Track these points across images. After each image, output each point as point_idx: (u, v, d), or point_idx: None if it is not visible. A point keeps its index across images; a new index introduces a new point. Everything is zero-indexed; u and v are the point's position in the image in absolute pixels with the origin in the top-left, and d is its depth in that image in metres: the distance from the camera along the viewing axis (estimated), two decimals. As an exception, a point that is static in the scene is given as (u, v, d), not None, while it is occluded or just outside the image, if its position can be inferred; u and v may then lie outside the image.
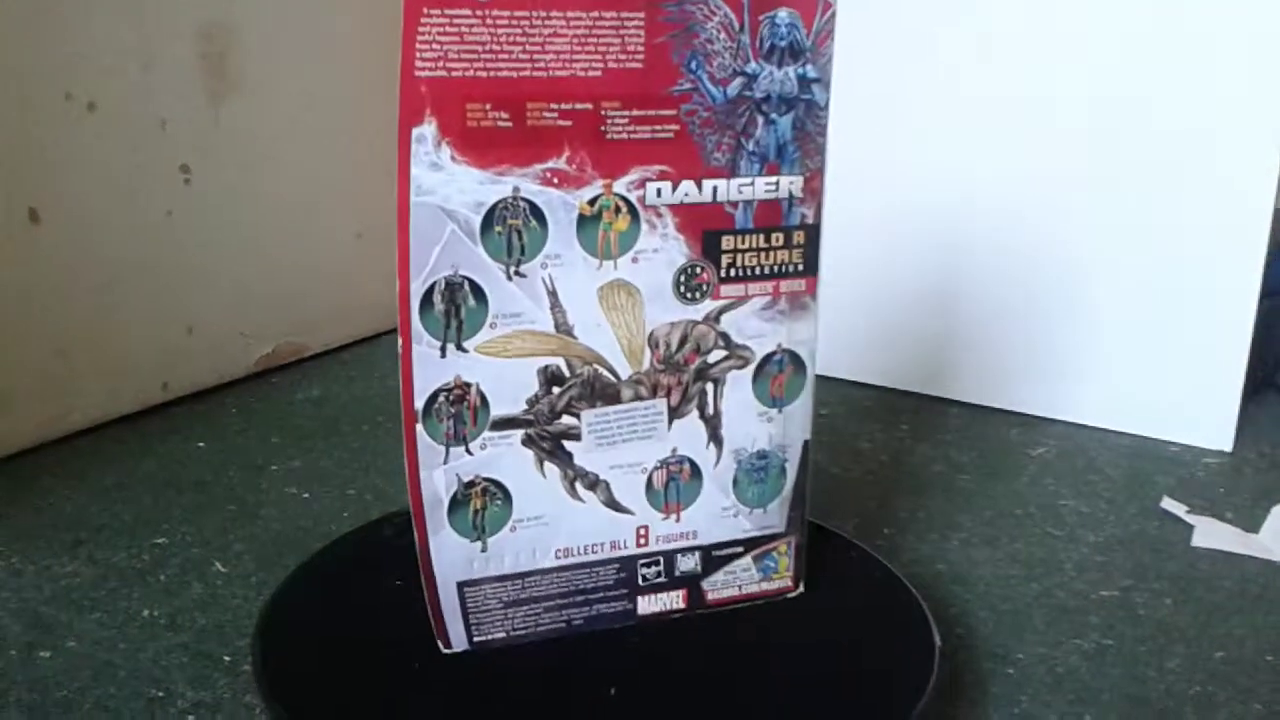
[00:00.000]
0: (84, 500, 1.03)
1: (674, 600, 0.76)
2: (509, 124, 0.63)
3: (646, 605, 0.76)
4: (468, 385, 0.67)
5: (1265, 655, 0.83)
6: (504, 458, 0.69)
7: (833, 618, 0.78)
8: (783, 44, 0.68)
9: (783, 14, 0.67)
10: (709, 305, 0.71)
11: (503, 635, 0.73)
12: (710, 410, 0.73)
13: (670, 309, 0.70)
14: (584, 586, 0.74)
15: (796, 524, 0.78)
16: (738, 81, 0.68)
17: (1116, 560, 0.97)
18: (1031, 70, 1.21)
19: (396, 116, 0.62)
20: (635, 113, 0.66)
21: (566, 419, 0.70)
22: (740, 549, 0.77)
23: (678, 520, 0.75)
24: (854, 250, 1.30)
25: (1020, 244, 1.25)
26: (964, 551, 0.98)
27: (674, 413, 0.72)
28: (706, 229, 0.70)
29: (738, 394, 0.74)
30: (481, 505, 0.70)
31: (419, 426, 0.67)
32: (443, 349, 0.66)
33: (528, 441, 0.70)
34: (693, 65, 0.66)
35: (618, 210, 0.67)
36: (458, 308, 0.65)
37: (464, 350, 0.66)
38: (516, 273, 0.66)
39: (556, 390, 0.69)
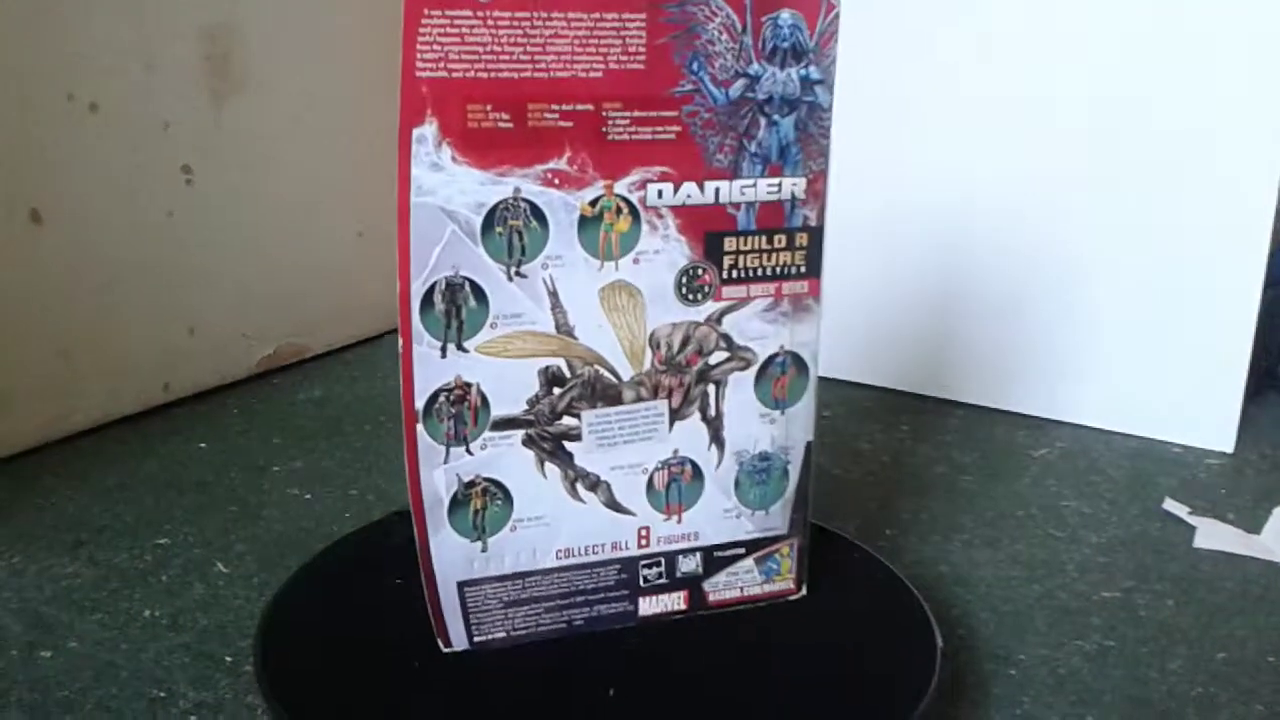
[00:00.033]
0: (86, 501, 1.03)
1: (675, 601, 0.76)
2: (510, 125, 0.63)
3: (647, 606, 0.76)
4: (468, 385, 0.67)
5: (1267, 656, 0.83)
6: (504, 458, 0.69)
7: (834, 619, 0.78)
8: (785, 45, 0.68)
9: (785, 15, 0.67)
10: (711, 307, 0.71)
11: (503, 635, 0.73)
12: (712, 412, 0.73)
13: (672, 310, 0.70)
14: (585, 587, 0.74)
15: (799, 526, 0.78)
16: (740, 83, 0.68)
17: (1118, 561, 0.97)
18: (1031, 70, 1.21)
19: (398, 117, 0.62)
20: (637, 114, 0.66)
21: (567, 420, 0.70)
22: (742, 550, 0.77)
23: (679, 521, 0.75)
24: (854, 250, 1.30)
25: (1021, 244, 1.25)
26: (966, 553, 0.98)
27: (675, 414, 0.72)
28: (708, 230, 0.69)
29: (740, 395, 0.73)
30: (482, 505, 0.70)
31: (419, 426, 0.67)
32: (443, 349, 0.66)
33: (528, 442, 0.70)
34: (694, 66, 0.66)
35: (619, 211, 0.67)
36: (458, 308, 0.65)
37: (464, 350, 0.66)
38: (517, 273, 0.66)
39: (557, 391, 0.69)
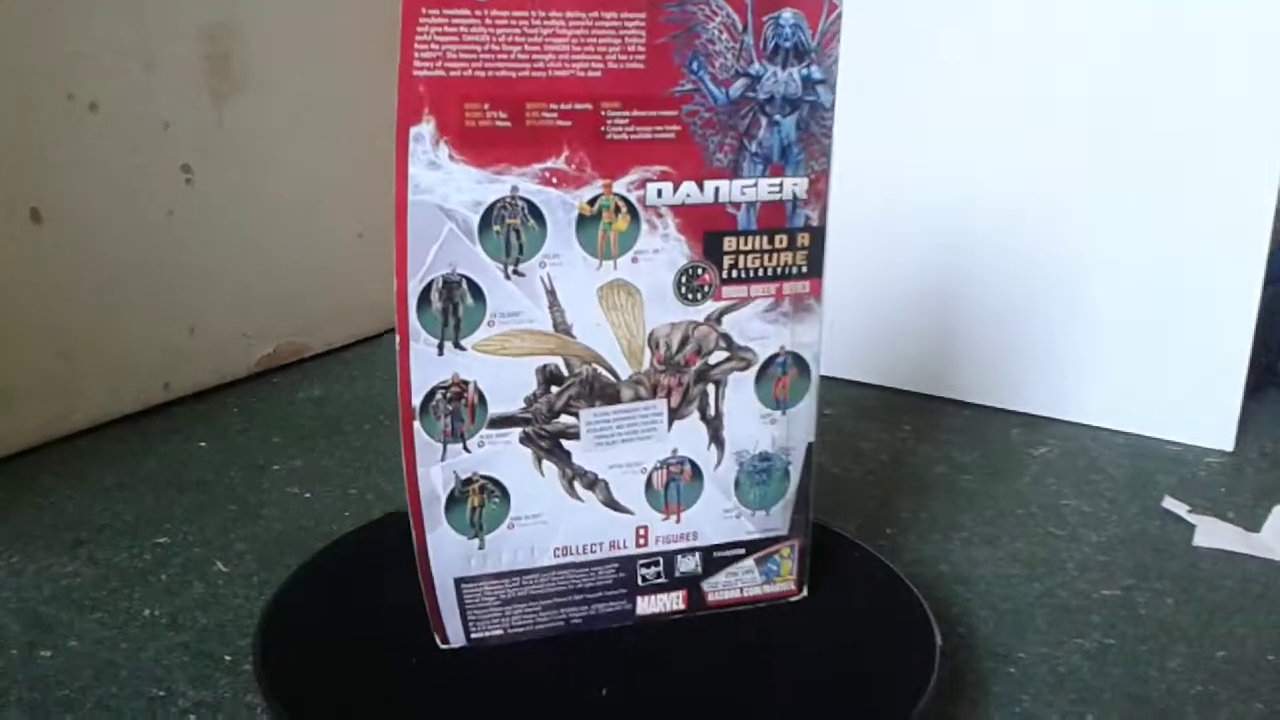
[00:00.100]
0: (85, 500, 1.03)
1: (674, 601, 0.76)
2: (507, 124, 0.63)
3: (646, 605, 0.76)
4: (465, 383, 0.67)
5: (1267, 654, 0.83)
6: (502, 456, 0.69)
7: (835, 617, 0.78)
8: (787, 45, 0.67)
9: (787, 15, 0.67)
10: (710, 306, 0.71)
11: (500, 632, 0.73)
12: (711, 411, 0.73)
13: (671, 310, 0.70)
14: (582, 585, 0.74)
15: (800, 527, 0.78)
16: (740, 82, 0.68)
17: (1118, 560, 0.97)
18: (1031, 70, 1.21)
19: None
20: (635, 113, 0.66)
21: (565, 418, 0.70)
22: (742, 551, 0.77)
23: (678, 521, 0.75)
24: (855, 250, 1.30)
25: (1021, 244, 1.25)
26: (966, 551, 0.98)
27: (674, 414, 0.72)
28: (708, 230, 0.69)
29: (740, 396, 0.73)
30: (479, 502, 0.70)
31: (416, 423, 0.67)
32: (440, 347, 0.66)
33: (526, 440, 0.70)
34: (694, 66, 0.66)
35: (617, 210, 0.67)
36: (455, 306, 0.66)
37: (462, 348, 0.66)
38: (515, 272, 0.66)
39: (555, 389, 0.69)
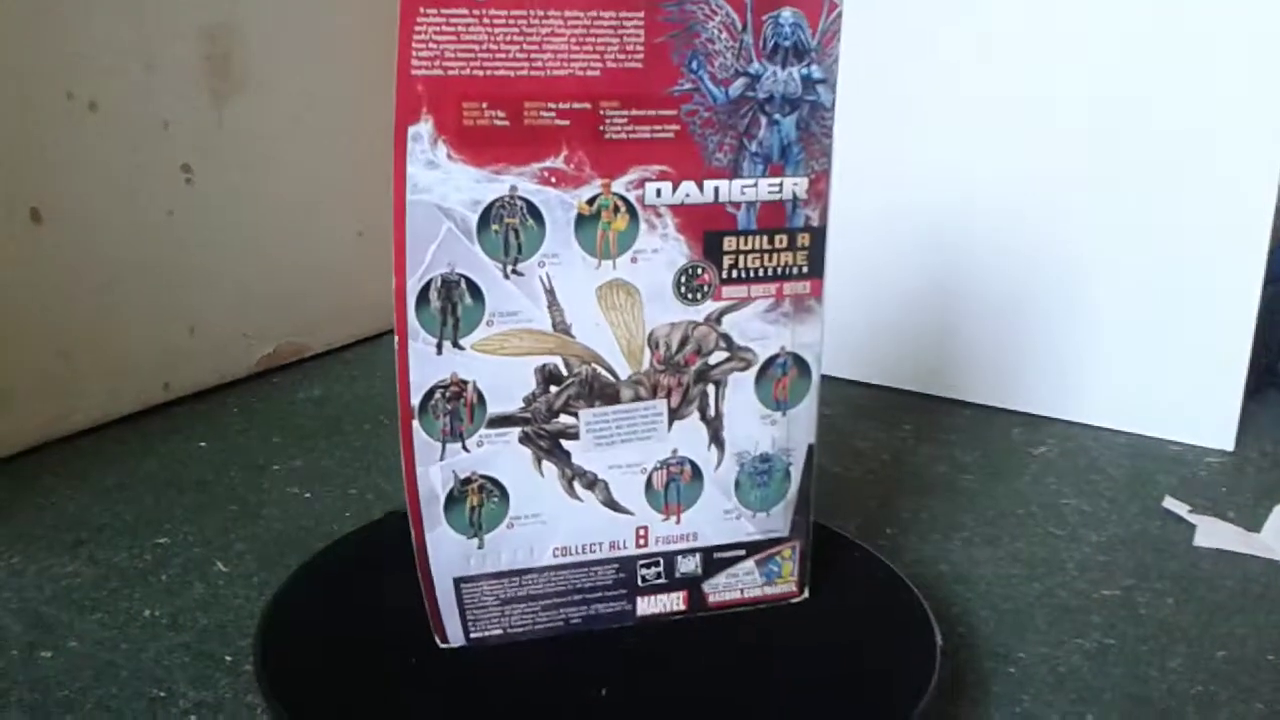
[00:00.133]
0: (85, 500, 1.03)
1: (674, 602, 0.76)
2: (506, 123, 0.63)
3: (646, 606, 0.76)
4: (464, 382, 0.67)
5: (1267, 654, 0.83)
6: (501, 455, 0.69)
7: (835, 617, 0.78)
8: (787, 44, 0.67)
9: (787, 14, 0.67)
10: (710, 306, 0.71)
11: (499, 632, 0.73)
12: (711, 412, 0.73)
13: (670, 309, 0.70)
14: (582, 585, 0.74)
15: (801, 529, 0.78)
16: (740, 82, 0.67)
17: (1118, 559, 0.97)
18: (1031, 70, 1.21)
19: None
20: (634, 112, 0.66)
21: (564, 418, 0.70)
22: (743, 552, 0.77)
23: (678, 522, 0.75)
24: (854, 249, 1.30)
25: (1021, 244, 1.25)
26: (966, 551, 0.98)
27: (674, 414, 0.72)
28: (708, 230, 0.69)
29: (740, 396, 0.73)
30: (478, 502, 0.70)
31: (415, 423, 0.67)
32: (439, 346, 0.66)
33: (525, 439, 0.70)
34: (693, 65, 0.66)
35: (616, 210, 0.67)
36: (454, 305, 0.66)
37: (460, 348, 0.66)
38: (514, 271, 0.66)
39: (554, 389, 0.69)
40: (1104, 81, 1.17)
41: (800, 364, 0.74)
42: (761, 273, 0.71)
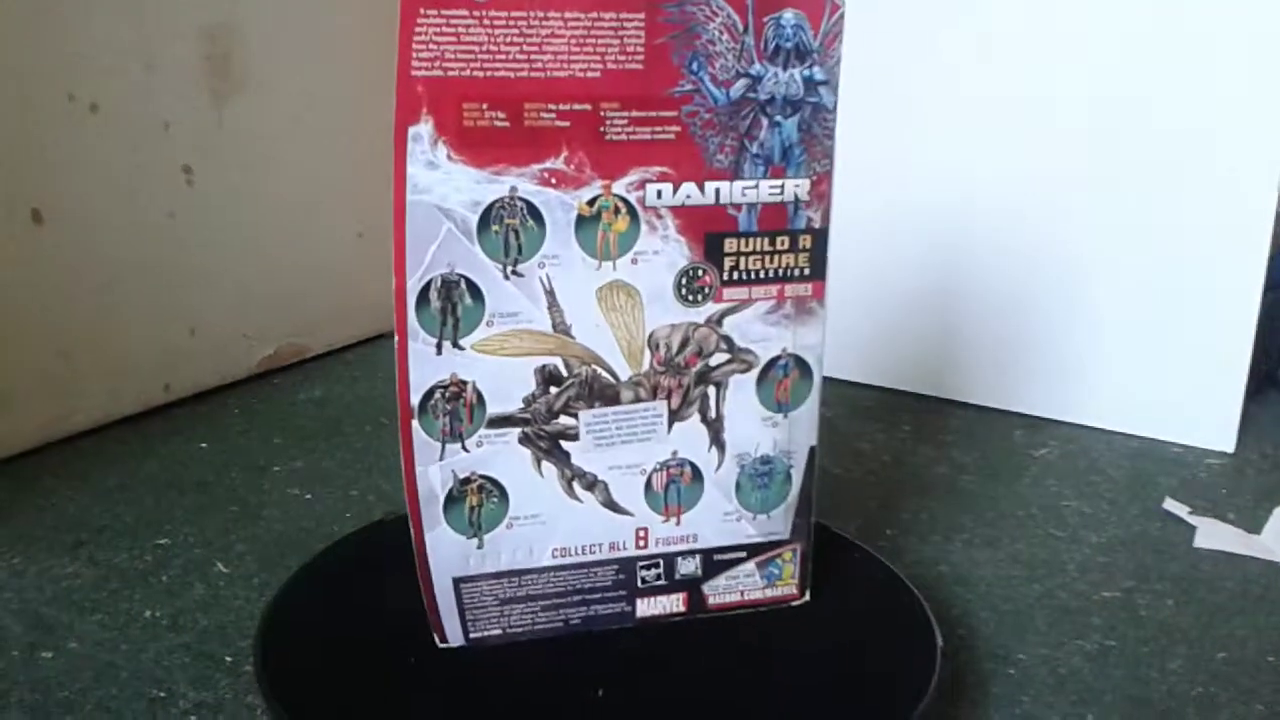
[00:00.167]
0: (86, 501, 1.03)
1: (674, 603, 0.76)
2: (506, 124, 0.63)
3: (645, 607, 0.76)
4: (464, 383, 0.67)
5: (1267, 656, 0.83)
6: (500, 455, 0.69)
7: (835, 619, 0.78)
8: (788, 45, 0.67)
9: (788, 15, 0.67)
10: (711, 308, 0.71)
11: (499, 632, 0.73)
12: (712, 414, 0.73)
13: (671, 311, 0.70)
14: (582, 586, 0.74)
15: (802, 531, 0.78)
16: (741, 83, 0.67)
17: (1119, 561, 0.97)
18: (1031, 70, 1.21)
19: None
20: (635, 114, 0.66)
21: (564, 419, 0.70)
22: (743, 554, 0.77)
23: (678, 523, 0.75)
24: (855, 250, 1.29)
25: (1021, 244, 1.25)
26: (966, 552, 0.98)
27: (674, 415, 0.72)
28: (709, 231, 0.69)
29: (741, 398, 0.73)
30: (478, 502, 0.70)
31: (415, 422, 0.67)
32: (438, 346, 0.66)
33: (525, 440, 0.70)
34: (694, 66, 0.66)
35: (617, 211, 0.67)
36: (454, 305, 0.66)
37: (460, 348, 0.66)
38: (514, 272, 0.66)
39: (554, 390, 0.69)
40: (1104, 81, 1.17)
41: (802, 366, 0.74)
42: (763, 274, 0.71)
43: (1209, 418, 1.20)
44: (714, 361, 0.72)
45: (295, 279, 1.40)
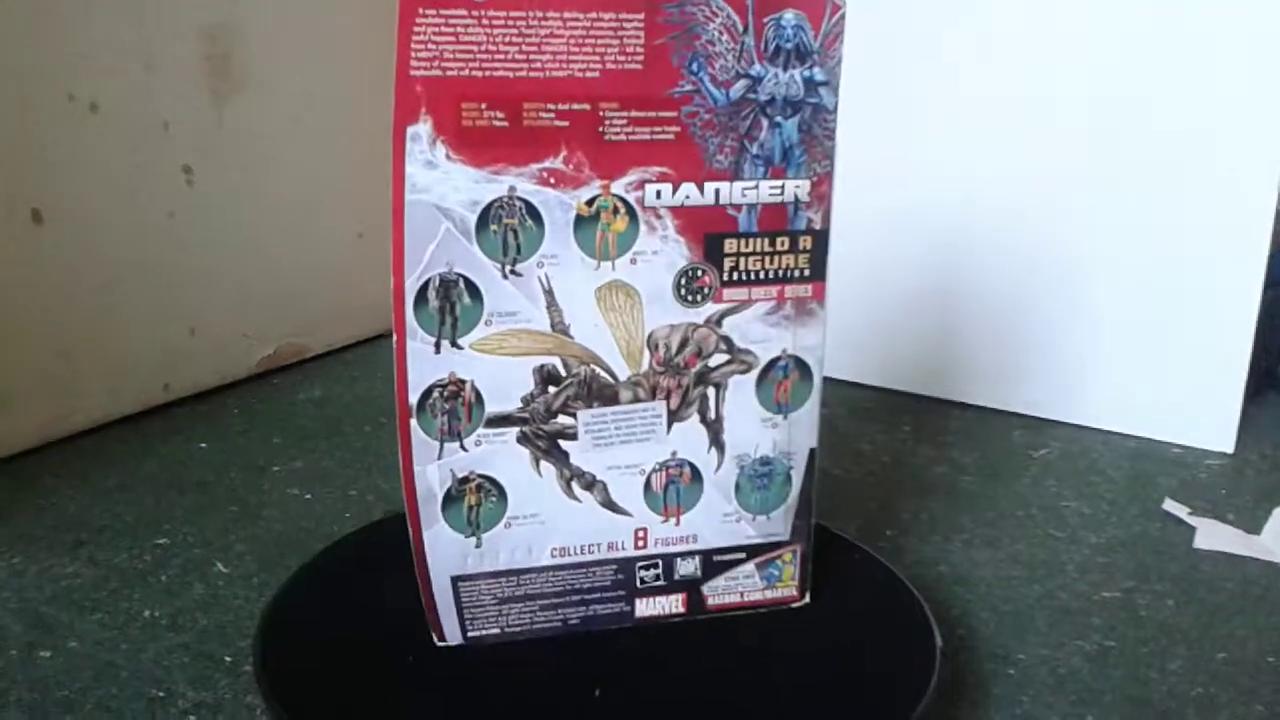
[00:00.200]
0: (86, 501, 1.03)
1: (673, 604, 0.76)
2: (505, 124, 0.63)
3: (645, 608, 0.75)
4: (463, 382, 0.67)
5: (1267, 656, 0.83)
6: (499, 454, 0.69)
7: (835, 619, 0.78)
8: (789, 46, 0.67)
9: (789, 16, 0.67)
10: (710, 308, 0.71)
11: (497, 631, 0.73)
12: (711, 414, 0.73)
13: (670, 311, 0.70)
14: (580, 586, 0.74)
15: (802, 533, 0.77)
16: (741, 84, 0.67)
17: (1118, 561, 0.97)
18: (1031, 70, 1.21)
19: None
20: (634, 114, 0.66)
21: (563, 418, 0.70)
22: (743, 555, 0.77)
23: (677, 524, 0.75)
24: (854, 250, 1.29)
25: (1021, 244, 1.25)
26: (966, 553, 0.98)
27: (674, 416, 0.72)
28: (708, 232, 0.69)
29: (740, 399, 0.73)
30: (476, 501, 0.70)
31: (413, 421, 0.67)
32: (437, 345, 0.66)
33: (523, 439, 0.70)
34: (694, 67, 0.66)
35: (616, 211, 0.67)
36: (452, 305, 0.66)
37: (459, 347, 0.66)
38: (512, 271, 0.66)
39: (553, 389, 0.69)
40: (1104, 81, 1.17)
41: (802, 367, 0.74)
42: (763, 275, 0.71)
43: (1209, 418, 1.20)
44: (713, 362, 0.72)
45: (295, 279, 1.40)
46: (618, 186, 0.67)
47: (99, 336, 1.19)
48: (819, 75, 0.68)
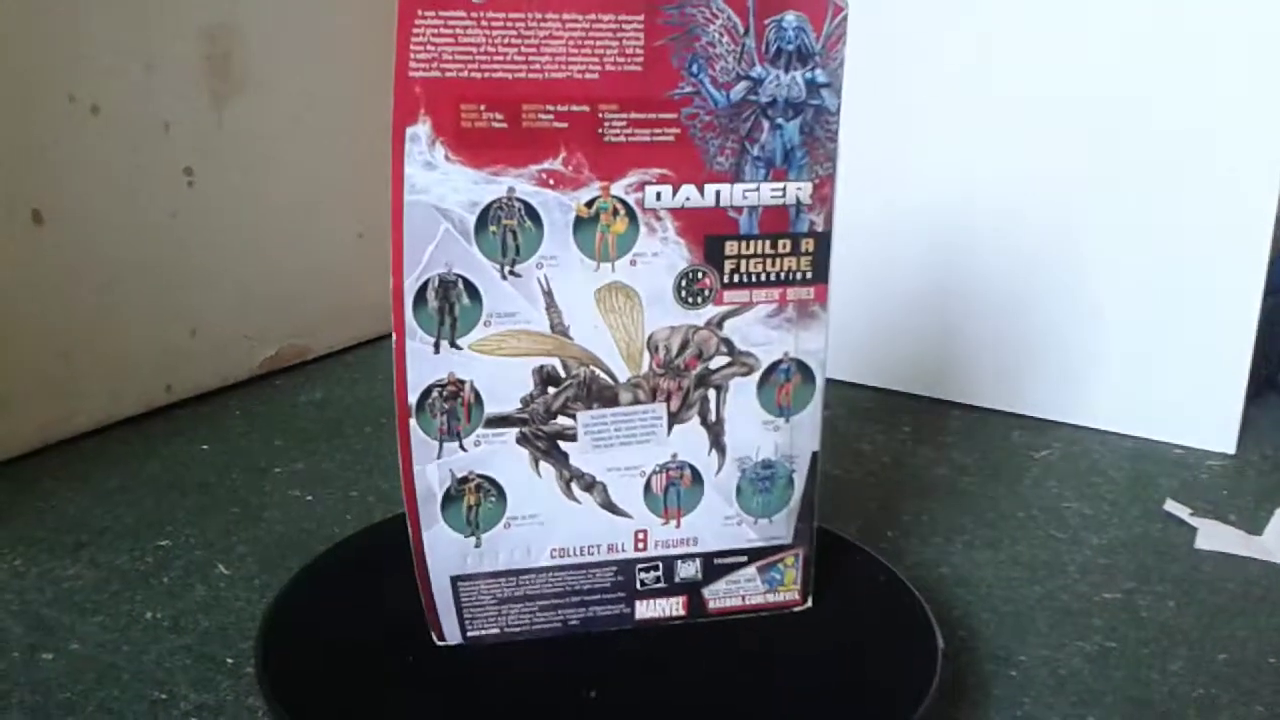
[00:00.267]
0: (87, 502, 1.03)
1: (673, 607, 0.76)
2: (504, 125, 0.63)
3: (645, 610, 0.75)
4: (462, 382, 0.67)
5: (1268, 657, 0.83)
6: (498, 455, 0.69)
7: (836, 620, 0.78)
8: (790, 48, 0.67)
9: (790, 18, 0.66)
10: (711, 311, 0.71)
11: (496, 631, 0.73)
12: (712, 417, 0.73)
13: (671, 313, 0.70)
14: (580, 587, 0.74)
15: (805, 536, 0.77)
16: (741, 85, 0.67)
17: (1120, 562, 0.97)
18: (1031, 70, 1.20)
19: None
20: (634, 115, 0.66)
21: (562, 419, 0.70)
22: (744, 559, 0.76)
23: (678, 526, 0.74)
24: (855, 251, 1.29)
25: (1021, 244, 1.25)
26: (967, 554, 0.97)
27: (674, 418, 0.72)
28: (709, 234, 0.69)
29: (741, 401, 0.73)
30: (475, 501, 0.70)
31: (412, 421, 0.67)
32: (436, 345, 0.66)
33: (523, 440, 0.70)
34: (694, 69, 0.66)
35: (615, 213, 0.67)
36: (451, 305, 0.66)
37: (458, 347, 0.66)
38: (511, 272, 0.66)
39: (552, 390, 0.69)
40: (1104, 81, 1.17)
41: (804, 370, 0.73)
42: (764, 278, 0.71)
43: (1210, 419, 1.20)
44: (714, 364, 0.72)
45: (296, 280, 1.40)
46: (617, 188, 0.67)
47: (99, 337, 1.19)
48: (821, 77, 0.68)
